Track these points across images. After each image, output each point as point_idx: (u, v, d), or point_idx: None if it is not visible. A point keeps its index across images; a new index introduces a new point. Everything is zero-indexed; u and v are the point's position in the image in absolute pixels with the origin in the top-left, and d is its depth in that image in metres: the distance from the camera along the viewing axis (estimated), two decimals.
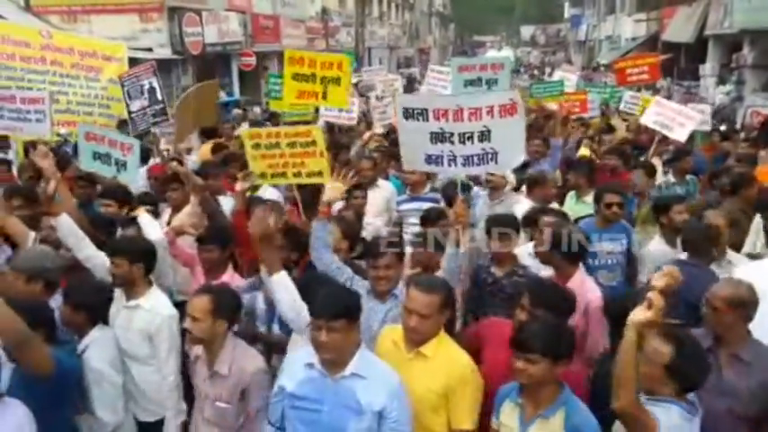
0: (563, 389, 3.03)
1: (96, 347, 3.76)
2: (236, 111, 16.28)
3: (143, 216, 4.93)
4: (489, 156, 4.33)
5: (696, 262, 4.45)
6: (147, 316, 3.97)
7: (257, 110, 18.16)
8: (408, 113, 4.32)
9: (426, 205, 5.79)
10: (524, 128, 4.50)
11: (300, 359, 3.21)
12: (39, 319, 3.40)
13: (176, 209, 5.75)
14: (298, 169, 4.89)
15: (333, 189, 4.20)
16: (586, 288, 4.25)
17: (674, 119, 8.08)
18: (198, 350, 3.70)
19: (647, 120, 8.37)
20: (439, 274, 4.08)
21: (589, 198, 6.19)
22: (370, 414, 3.01)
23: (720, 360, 3.36)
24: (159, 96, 7.77)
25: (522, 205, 5.77)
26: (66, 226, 4.28)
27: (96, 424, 3.73)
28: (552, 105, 9.70)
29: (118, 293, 4.09)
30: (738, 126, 14.02)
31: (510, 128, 4.29)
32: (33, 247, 4.44)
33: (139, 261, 4.02)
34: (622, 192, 5.71)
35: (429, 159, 4.42)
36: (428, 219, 5.09)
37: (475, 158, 4.33)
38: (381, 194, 6.82)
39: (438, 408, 3.28)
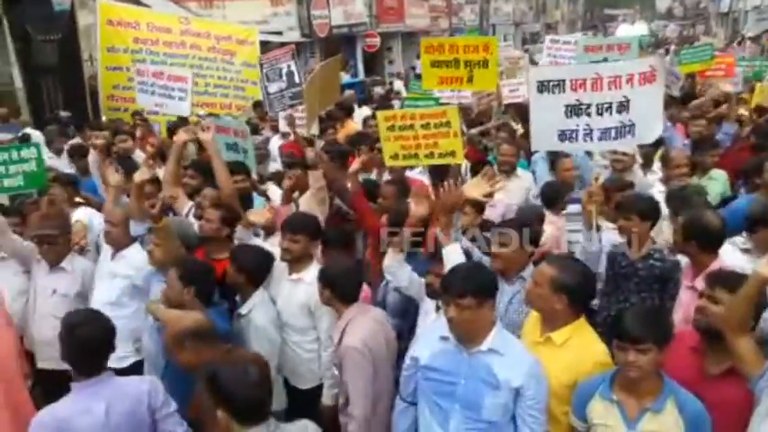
0: (663, 377, 2.87)
1: (260, 308, 4.03)
2: (348, 92, 16.47)
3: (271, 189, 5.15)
4: (627, 129, 4.15)
5: None
6: (308, 289, 4.12)
7: (380, 90, 18.36)
8: (543, 87, 4.19)
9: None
10: (663, 97, 4.27)
11: (435, 331, 3.23)
12: (195, 277, 3.74)
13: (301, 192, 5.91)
14: (430, 150, 4.88)
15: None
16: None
17: None
18: None
19: None
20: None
21: (716, 174, 6.03)
22: (507, 390, 3.00)
23: None
24: (297, 79, 8.05)
25: (655, 189, 5.41)
26: None
27: None
28: (727, 87, 9.26)
29: (282, 266, 4.30)
30: None
31: (649, 97, 4.11)
32: (173, 218, 4.79)
33: (316, 238, 4.29)
34: None
35: (563, 136, 4.28)
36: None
37: (612, 132, 4.17)
38: (520, 185, 6.37)
39: (563, 397, 3.18)
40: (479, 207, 4.65)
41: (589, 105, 4.14)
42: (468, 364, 3.07)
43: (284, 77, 8.03)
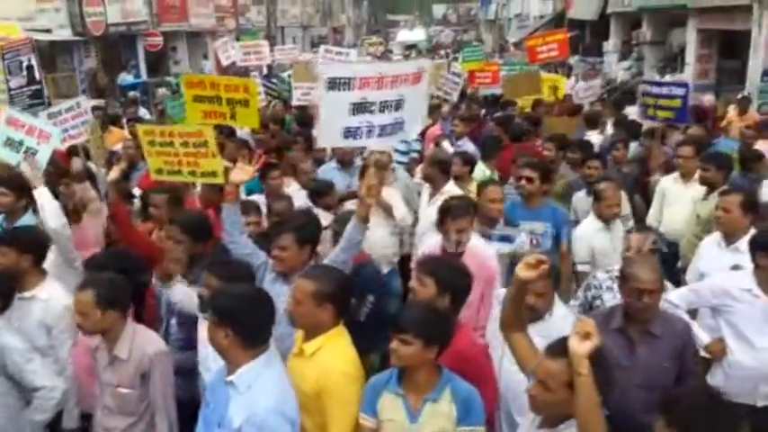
0: (443, 371, 3.02)
1: (6, 332, 3.59)
2: (132, 93, 15.59)
3: (43, 197, 4.68)
4: (399, 125, 4.39)
5: None
6: (44, 306, 3.83)
7: (165, 91, 17.64)
8: (333, 84, 4.23)
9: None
10: (427, 95, 4.59)
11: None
12: None
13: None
14: (192, 168, 4.83)
15: (242, 171, 4.08)
16: (487, 256, 4.31)
17: None
18: (96, 340, 3.56)
19: None
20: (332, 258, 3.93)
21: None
22: (228, 429, 2.84)
23: (634, 338, 3.41)
24: (37, 76, 7.38)
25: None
26: None
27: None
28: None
29: None
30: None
31: (418, 95, 4.42)
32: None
33: (28, 251, 3.91)
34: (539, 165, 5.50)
35: (347, 133, 4.35)
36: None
37: (388, 128, 4.36)
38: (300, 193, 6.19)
39: (311, 410, 3.11)
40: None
41: (373, 103, 4.27)
42: (218, 391, 2.97)
43: (24, 72, 7.32)
